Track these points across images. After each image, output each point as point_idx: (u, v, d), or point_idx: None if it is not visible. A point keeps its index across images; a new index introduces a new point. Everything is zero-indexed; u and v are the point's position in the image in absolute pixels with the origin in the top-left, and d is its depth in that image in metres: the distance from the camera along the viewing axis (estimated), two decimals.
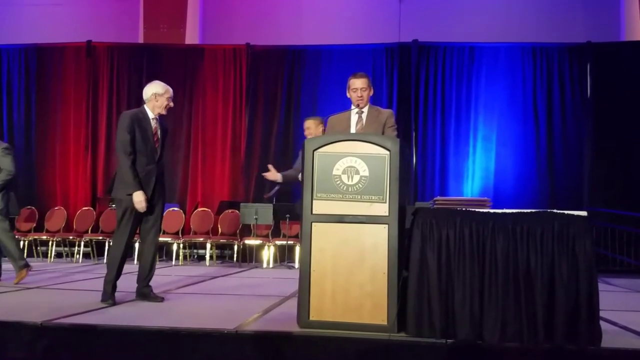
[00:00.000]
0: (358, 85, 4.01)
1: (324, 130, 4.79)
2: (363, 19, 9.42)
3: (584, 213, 3.23)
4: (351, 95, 4.05)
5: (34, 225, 8.58)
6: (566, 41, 8.64)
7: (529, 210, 3.26)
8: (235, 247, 8.19)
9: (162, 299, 4.32)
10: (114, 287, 4.23)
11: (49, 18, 9.96)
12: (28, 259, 5.51)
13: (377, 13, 9.45)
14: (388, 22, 9.33)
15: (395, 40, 9.03)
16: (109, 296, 4.18)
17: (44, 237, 8.32)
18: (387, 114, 4.08)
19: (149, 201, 4.29)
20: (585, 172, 8.38)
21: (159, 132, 4.39)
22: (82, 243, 8.22)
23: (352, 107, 4.07)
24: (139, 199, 4.20)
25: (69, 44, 9.43)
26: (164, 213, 8.57)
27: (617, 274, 7.41)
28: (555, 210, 3.24)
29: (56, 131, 9.35)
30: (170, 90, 4.44)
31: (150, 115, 4.38)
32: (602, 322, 3.18)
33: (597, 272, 3.16)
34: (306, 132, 4.95)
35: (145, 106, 4.40)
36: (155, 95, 4.36)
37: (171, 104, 4.43)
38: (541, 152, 8.52)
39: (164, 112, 4.41)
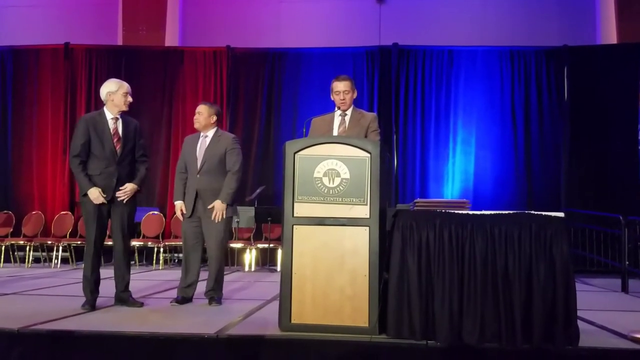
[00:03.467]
0: (340, 88, 4.02)
1: (215, 122, 4.64)
2: (343, 22, 9.45)
3: (560, 214, 3.28)
4: (334, 97, 4.06)
5: (11, 230, 8.43)
6: (543, 45, 8.77)
7: (507, 212, 3.29)
8: None
9: (141, 304, 4.28)
10: (92, 292, 4.18)
11: (25, 20, 9.81)
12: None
13: (357, 17, 9.49)
14: (368, 25, 9.38)
15: (375, 44, 9.08)
16: (87, 302, 4.13)
17: (21, 242, 8.19)
18: (370, 117, 4.09)
19: (110, 203, 4.23)
20: (562, 174, 8.51)
21: (119, 132, 4.29)
22: (60, 248, 8.10)
23: (335, 109, 4.08)
24: (94, 196, 4.15)
25: (46, 46, 9.29)
26: (144, 217, 8.51)
27: (594, 274, 7.53)
28: (532, 212, 3.27)
29: (33, 134, 9.21)
30: (125, 85, 4.34)
31: (109, 115, 4.30)
32: (579, 322, 3.23)
33: (574, 272, 3.21)
34: (196, 117, 4.60)
35: (104, 107, 4.34)
36: (109, 94, 4.29)
37: (129, 99, 4.33)
38: (519, 155, 8.63)
39: (125, 109, 4.32)
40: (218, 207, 4.41)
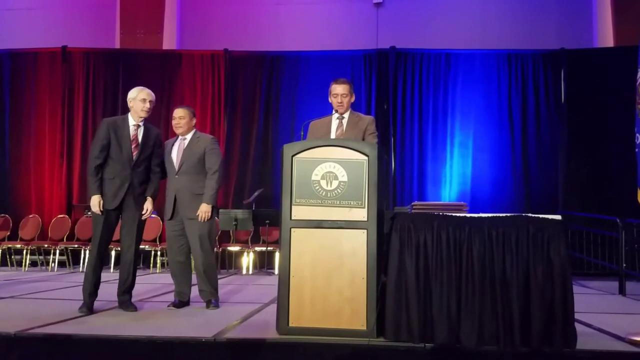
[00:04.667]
0: (339, 91, 4.03)
1: (194, 124, 4.64)
2: (341, 25, 9.46)
3: (558, 217, 3.28)
4: (332, 100, 4.07)
5: (8, 233, 8.41)
6: (540, 48, 8.79)
7: (504, 215, 3.30)
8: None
9: (134, 309, 4.26)
10: (91, 294, 4.17)
11: (23, 23, 9.80)
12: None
13: (355, 20, 9.51)
14: (366, 29, 9.40)
15: (373, 47, 9.10)
16: (85, 304, 4.12)
17: (18, 246, 8.16)
18: (367, 120, 4.10)
19: (121, 207, 4.24)
20: (560, 176, 8.52)
21: (139, 139, 4.34)
22: (58, 251, 8.09)
23: (333, 112, 4.09)
24: (92, 203, 4.19)
25: (43, 49, 9.28)
26: None
27: (592, 276, 7.53)
28: (530, 214, 3.28)
29: (31, 137, 9.19)
30: (145, 91, 4.38)
31: (132, 122, 4.35)
32: (577, 324, 3.23)
33: (571, 274, 3.22)
34: (177, 122, 4.54)
35: (128, 113, 4.41)
36: (130, 100, 4.37)
37: (147, 105, 4.36)
38: (516, 157, 8.65)
39: (143, 115, 4.36)
40: (203, 209, 4.42)
